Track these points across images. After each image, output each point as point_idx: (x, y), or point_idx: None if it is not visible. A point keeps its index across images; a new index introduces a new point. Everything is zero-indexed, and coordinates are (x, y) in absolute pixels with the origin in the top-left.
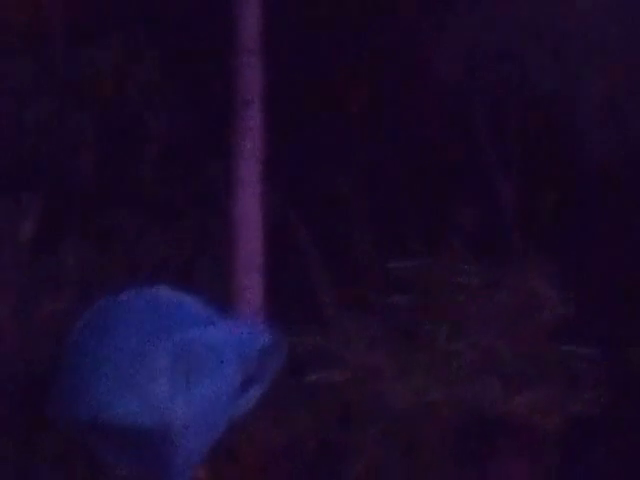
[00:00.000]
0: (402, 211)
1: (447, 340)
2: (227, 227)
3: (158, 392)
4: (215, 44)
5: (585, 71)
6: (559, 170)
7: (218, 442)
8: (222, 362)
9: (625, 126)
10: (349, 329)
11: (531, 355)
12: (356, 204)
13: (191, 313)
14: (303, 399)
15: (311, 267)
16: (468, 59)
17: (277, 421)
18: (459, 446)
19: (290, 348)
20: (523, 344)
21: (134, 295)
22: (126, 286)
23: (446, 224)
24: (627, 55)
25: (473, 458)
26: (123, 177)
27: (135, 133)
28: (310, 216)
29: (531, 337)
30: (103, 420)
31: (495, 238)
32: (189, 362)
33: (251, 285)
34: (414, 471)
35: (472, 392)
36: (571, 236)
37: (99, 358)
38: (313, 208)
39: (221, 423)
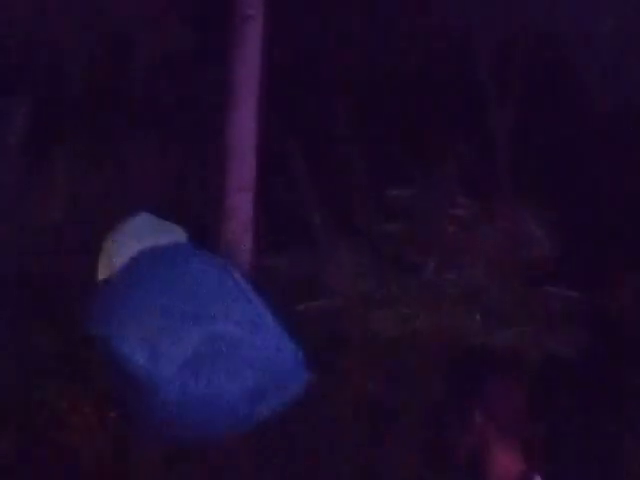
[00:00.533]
0: (398, 141)
1: (435, 271)
2: (220, 146)
3: (175, 357)
4: None
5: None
6: (559, 113)
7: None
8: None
9: (633, 72)
10: (339, 255)
11: (514, 292)
12: (352, 132)
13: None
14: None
15: (303, 191)
16: None
17: None
18: (442, 372)
19: (279, 276)
20: (508, 281)
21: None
22: (116, 197)
23: (441, 157)
24: None
25: (456, 384)
26: (117, 85)
27: (131, 40)
28: (305, 140)
29: (516, 275)
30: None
31: (489, 175)
32: (214, 349)
33: (242, 205)
34: (400, 396)
35: (456, 323)
36: (565, 180)
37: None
38: (308, 132)
39: (222, 419)
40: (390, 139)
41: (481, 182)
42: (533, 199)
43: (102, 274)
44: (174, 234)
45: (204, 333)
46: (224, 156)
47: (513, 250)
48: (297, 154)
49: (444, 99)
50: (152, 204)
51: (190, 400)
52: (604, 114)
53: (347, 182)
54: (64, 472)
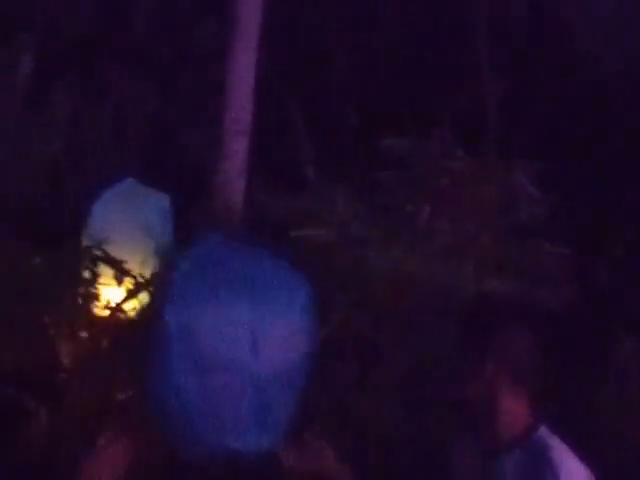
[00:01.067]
0: (396, 92)
1: (428, 219)
2: (217, 89)
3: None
4: None
5: None
6: (555, 69)
7: None
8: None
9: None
10: (335, 198)
11: (505, 245)
12: (351, 81)
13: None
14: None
15: (299, 138)
16: None
17: None
18: (433, 315)
19: (274, 210)
20: (499, 235)
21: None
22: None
23: (439, 111)
24: None
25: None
26: (119, 29)
27: None
28: (302, 88)
29: (507, 230)
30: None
31: (485, 131)
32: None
33: (238, 149)
34: (385, 334)
35: (447, 270)
36: (560, 140)
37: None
38: (307, 80)
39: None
40: (389, 90)
41: (477, 138)
42: (528, 156)
43: (86, 242)
44: (157, 202)
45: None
46: (221, 101)
47: (505, 205)
48: (294, 100)
49: (443, 54)
50: (148, 143)
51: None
52: (600, 69)
53: (343, 130)
54: None
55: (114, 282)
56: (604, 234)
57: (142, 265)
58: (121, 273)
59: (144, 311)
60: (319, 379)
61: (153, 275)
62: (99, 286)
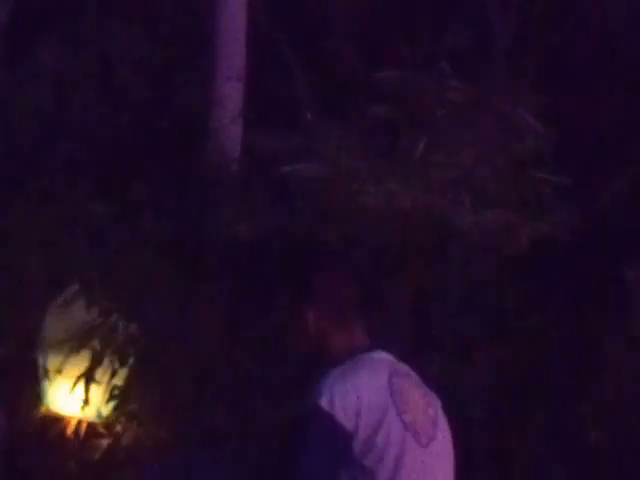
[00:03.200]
0: (393, 25)
1: (424, 153)
2: (210, 34)
3: None
4: None
5: None
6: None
7: None
8: None
9: None
10: (328, 132)
11: (505, 178)
12: (349, 17)
13: None
14: (279, 192)
15: (293, 74)
16: None
17: (251, 212)
18: (421, 249)
19: (267, 146)
20: (499, 167)
21: None
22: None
23: (437, 42)
24: None
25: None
26: None
27: None
28: (295, 25)
29: (507, 161)
30: None
31: (486, 63)
32: None
33: (232, 94)
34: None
35: (443, 204)
36: (561, 69)
37: None
38: (299, 17)
39: None
40: (384, 21)
41: (476, 67)
42: (529, 87)
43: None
44: None
45: None
46: (214, 45)
47: (505, 138)
48: (290, 40)
49: None
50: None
51: None
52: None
53: (336, 64)
54: None
55: None
56: (606, 168)
57: None
58: None
59: None
60: None
61: None
62: None
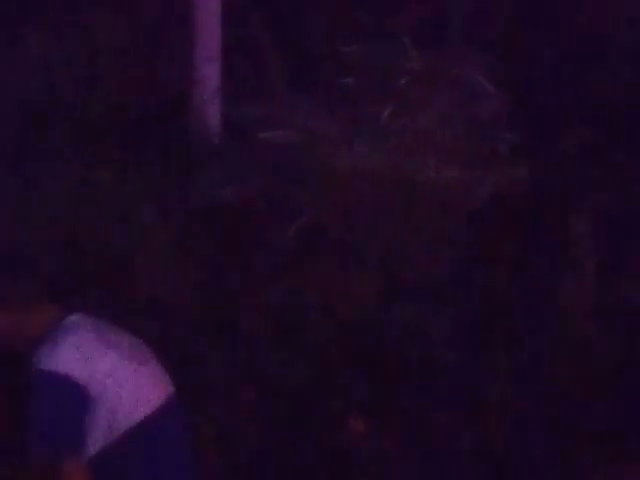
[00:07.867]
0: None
1: (389, 119)
2: (187, 15)
3: None
4: None
5: None
6: None
7: None
8: None
9: None
10: (297, 100)
11: (465, 138)
12: None
13: None
14: (253, 159)
15: (264, 49)
16: None
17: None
18: (395, 208)
19: (241, 116)
20: (458, 128)
21: None
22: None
23: (397, 14)
24: None
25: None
26: None
27: None
28: (266, 5)
29: (466, 123)
30: None
31: (442, 31)
32: None
33: (210, 74)
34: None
35: (409, 164)
36: (518, 35)
37: None
38: None
39: None
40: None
41: (434, 36)
42: (486, 53)
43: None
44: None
45: None
46: (193, 29)
47: (462, 102)
48: (258, 17)
49: None
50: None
51: None
52: None
53: (305, 40)
54: None
55: None
56: (557, 127)
57: None
58: None
59: None
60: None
61: None
62: None
